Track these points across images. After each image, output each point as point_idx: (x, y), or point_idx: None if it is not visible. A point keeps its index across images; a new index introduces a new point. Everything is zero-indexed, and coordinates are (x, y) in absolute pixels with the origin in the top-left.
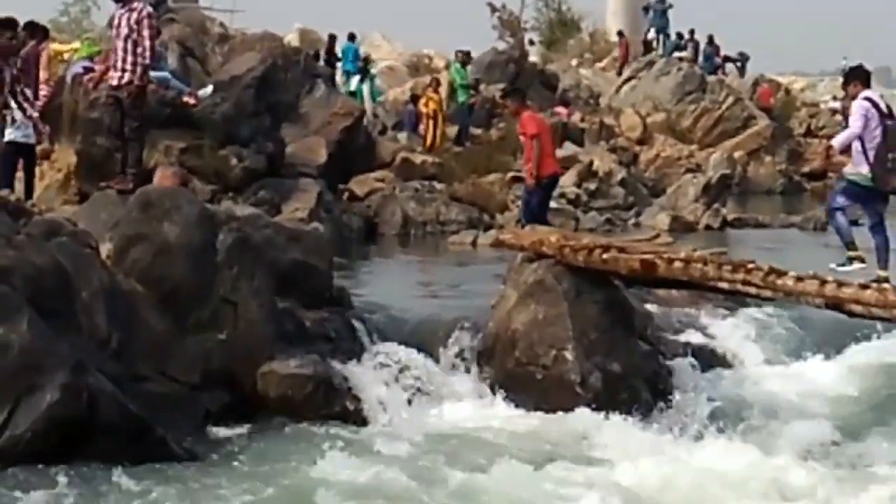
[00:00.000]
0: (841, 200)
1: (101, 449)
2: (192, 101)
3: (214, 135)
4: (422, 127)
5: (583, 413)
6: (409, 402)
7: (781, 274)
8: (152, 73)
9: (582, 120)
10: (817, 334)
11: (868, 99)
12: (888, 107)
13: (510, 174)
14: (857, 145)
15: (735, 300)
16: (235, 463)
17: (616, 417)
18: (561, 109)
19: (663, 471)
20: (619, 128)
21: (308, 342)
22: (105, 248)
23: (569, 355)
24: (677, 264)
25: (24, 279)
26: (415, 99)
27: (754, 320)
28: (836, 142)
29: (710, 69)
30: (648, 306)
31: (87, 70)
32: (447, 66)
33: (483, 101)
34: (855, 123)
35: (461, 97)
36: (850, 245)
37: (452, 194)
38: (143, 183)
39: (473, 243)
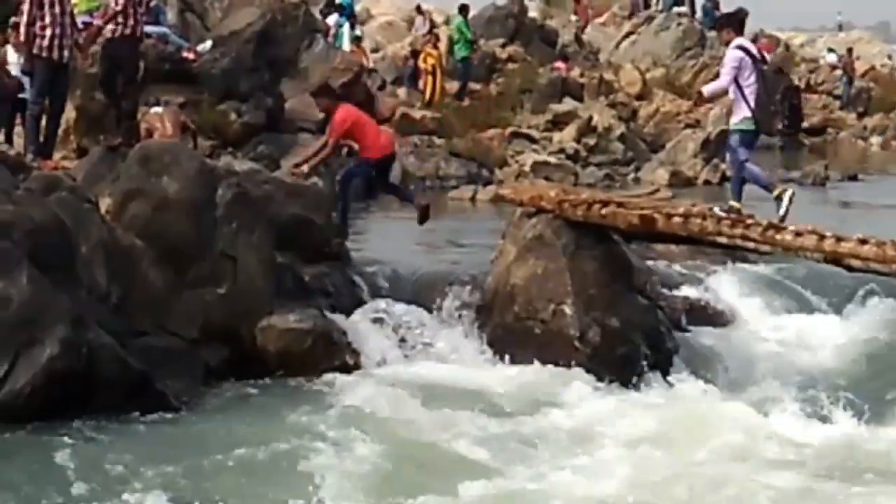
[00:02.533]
0: (742, 153)
1: (100, 403)
2: (191, 56)
3: (213, 90)
4: (421, 82)
5: (580, 367)
6: (407, 356)
7: (780, 229)
8: (151, 28)
9: (581, 75)
10: (816, 289)
11: (740, 47)
12: (760, 52)
13: (510, 129)
14: (736, 93)
15: (734, 255)
16: (234, 416)
17: (613, 372)
18: (560, 64)
19: (659, 426)
20: (618, 83)
21: (307, 297)
22: (104, 203)
23: (567, 310)
24: (676, 219)
25: (23, 234)
26: (414, 54)
27: (753, 275)
28: (707, 90)
29: (710, 24)
30: (648, 261)
31: (87, 25)
32: (446, 21)
33: (483, 57)
34: (725, 77)
35: (463, 52)
36: (769, 186)
37: (452, 149)
38: (131, 137)
39: (473, 198)
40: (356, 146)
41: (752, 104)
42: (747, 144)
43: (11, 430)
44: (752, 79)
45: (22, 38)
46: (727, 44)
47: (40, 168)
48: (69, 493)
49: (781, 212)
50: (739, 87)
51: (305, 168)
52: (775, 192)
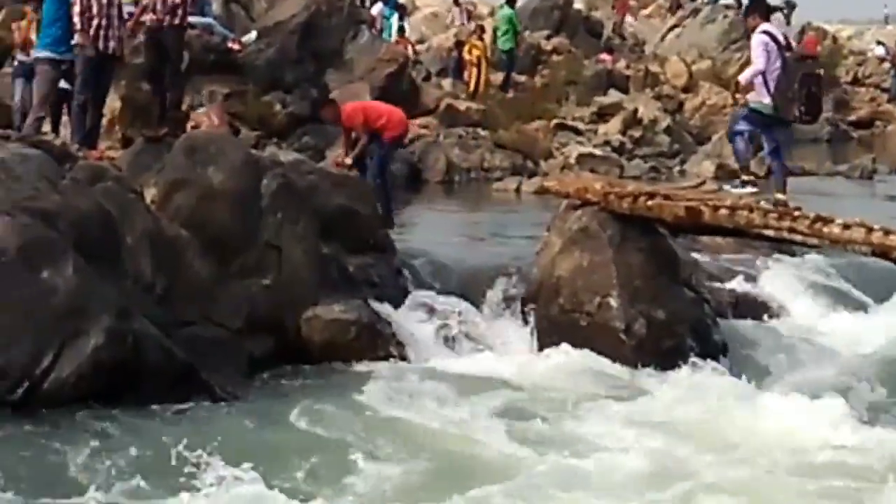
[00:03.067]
0: (742, 125)
1: (146, 393)
2: (236, 46)
3: (258, 81)
4: (466, 74)
5: (627, 360)
6: (452, 347)
7: (828, 221)
8: (196, 19)
9: (627, 67)
10: (864, 283)
11: (766, 32)
12: (786, 38)
13: (555, 121)
14: (759, 77)
15: (781, 248)
16: (278, 406)
17: (659, 364)
18: (605, 56)
19: (706, 419)
20: (664, 75)
21: (352, 287)
22: (150, 193)
23: (613, 302)
24: (723, 211)
25: (69, 224)
26: (459, 45)
27: (800, 268)
28: (743, 78)
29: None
30: (694, 254)
31: (130, 15)
32: (491, 13)
33: (528, 48)
34: (758, 59)
35: (510, 44)
36: (744, 168)
37: (496, 141)
38: (176, 127)
39: (517, 190)
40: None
41: (773, 89)
42: (753, 122)
43: (57, 419)
44: (777, 64)
45: (77, 26)
46: (753, 30)
47: (86, 158)
48: (111, 481)
49: (728, 186)
50: (764, 74)
51: (348, 160)
52: (745, 177)
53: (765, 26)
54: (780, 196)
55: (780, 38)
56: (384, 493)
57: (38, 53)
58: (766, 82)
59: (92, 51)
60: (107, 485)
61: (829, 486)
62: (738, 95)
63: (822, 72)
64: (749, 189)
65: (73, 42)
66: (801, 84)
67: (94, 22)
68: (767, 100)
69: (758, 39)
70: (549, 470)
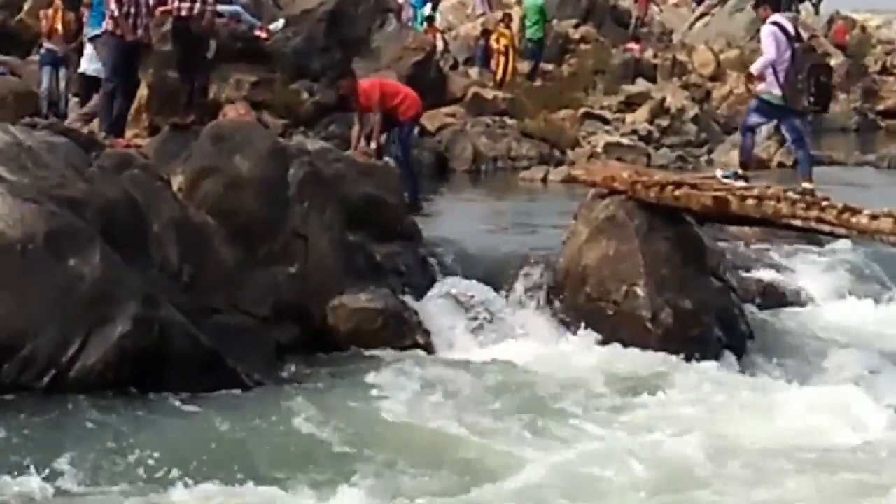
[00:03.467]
0: (755, 119)
1: (172, 380)
2: (263, 35)
3: (285, 69)
4: (493, 62)
5: (653, 349)
6: (479, 336)
7: (856, 211)
8: (223, 7)
9: (654, 56)
10: (892, 272)
11: (775, 23)
12: (796, 29)
13: (582, 110)
14: (769, 68)
15: (809, 237)
16: (303, 394)
17: (686, 354)
18: (633, 45)
19: (734, 408)
20: (691, 64)
21: (378, 276)
22: (176, 181)
23: (640, 291)
24: (750, 201)
25: (96, 212)
26: (486, 34)
27: (828, 258)
28: (755, 68)
29: (785, 6)
30: (721, 243)
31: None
32: (518, 2)
33: (555, 37)
34: (769, 49)
35: (540, 33)
36: (744, 164)
37: (523, 130)
38: (203, 115)
39: (544, 179)
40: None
41: (782, 80)
42: (765, 114)
43: (83, 406)
44: (787, 55)
45: (115, 13)
46: (764, 21)
47: (113, 146)
48: (136, 468)
49: (721, 172)
50: (774, 65)
51: (373, 145)
52: (741, 171)
53: (775, 17)
54: (807, 185)
55: (790, 29)
56: (404, 483)
57: (96, 31)
58: (775, 73)
59: (132, 35)
60: (133, 471)
61: (855, 479)
62: (750, 86)
63: (831, 62)
64: (740, 182)
65: (101, 29)
66: (810, 74)
67: (124, 9)
68: (777, 90)
69: (767, 30)
70: (571, 464)
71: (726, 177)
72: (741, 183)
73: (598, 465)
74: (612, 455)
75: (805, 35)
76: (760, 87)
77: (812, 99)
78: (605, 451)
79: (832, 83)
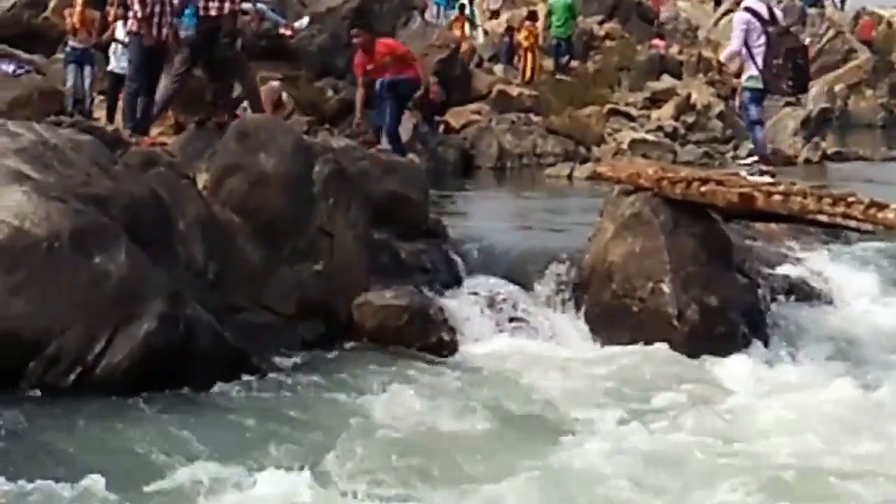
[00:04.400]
0: (754, 111)
1: (198, 378)
2: (288, 32)
3: (310, 66)
4: (518, 59)
5: (679, 346)
6: (504, 333)
7: (883, 207)
8: (248, 5)
9: (680, 52)
10: None
11: (748, 9)
12: (771, 12)
13: (607, 106)
14: (745, 53)
15: (835, 234)
16: (328, 392)
17: (712, 350)
18: (658, 42)
19: (762, 406)
20: (717, 60)
21: (404, 273)
22: (202, 179)
23: (666, 288)
24: (776, 197)
25: (121, 209)
26: (510, 30)
27: (855, 255)
28: (723, 57)
29: (811, 2)
30: (747, 240)
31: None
32: None
33: (580, 34)
34: (735, 40)
35: (567, 32)
36: (765, 159)
37: (549, 126)
38: (228, 114)
39: (569, 176)
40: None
41: (760, 65)
42: (757, 101)
43: (109, 403)
44: (761, 40)
45: (140, 14)
46: (738, 4)
47: (138, 144)
48: (163, 465)
49: (744, 171)
50: (749, 48)
51: (358, 114)
52: (764, 168)
53: (747, 2)
54: (764, 167)
55: (764, 13)
56: (415, 479)
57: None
58: (752, 57)
59: (149, 39)
60: (159, 468)
61: (879, 476)
62: (722, 73)
63: (858, 58)
64: (766, 178)
65: (127, 29)
66: (787, 58)
67: (147, 10)
68: (755, 72)
69: (738, 17)
70: (592, 464)
71: (752, 173)
72: (767, 178)
73: (616, 464)
74: (631, 454)
75: (780, 16)
76: (743, 77)
77: (790, 82)
78: (625, 450)
79: (808, 64)
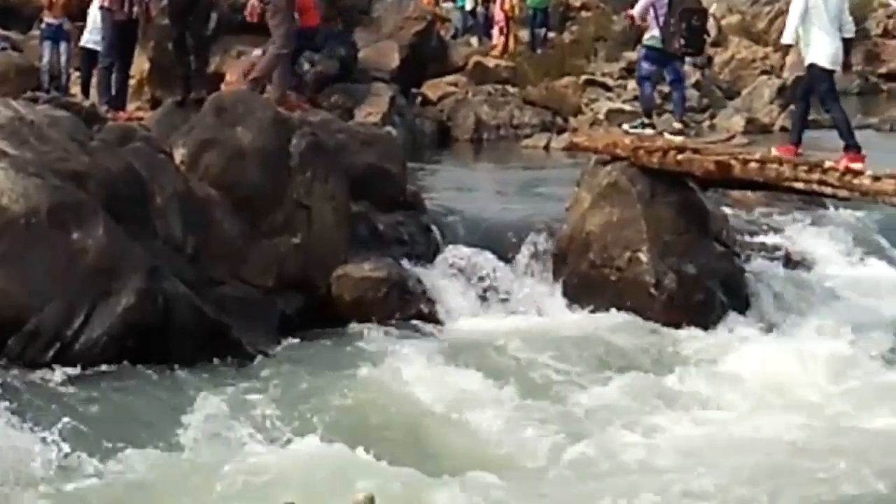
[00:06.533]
0: (646, 67)
1: (176, 352)
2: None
3: None
4: (494, 31)
5: (657, 315)
6: (483, 304)
7: (858, 173)
8: None
9: None
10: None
11: None
12: None
13: (584, 77)
14: (651, 13)
15: (812, 201)
16: (308, 364)
17: (690, 319)
18: (632, 11)
19: (738, 372)
20: (629, 16)
21: (382, 245)
22: (179, 154)
23: (643, 257)
24: (752, 165)
25: (98, 185)
26: (485, 2)
27: (831, 222)
28: (634, 11)
29: None
30: (724, 208)
31: None
32: None
33: (556, 5)
34: (640, 1)
35: (543, 1)
36: (648, 113)
37: (525, 97)
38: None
39: (546, 147)
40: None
41: (661, 24)
42: (652, 60)
43: (88, 378)
44: (664, 1)
45: None
46: None
47: (114, 119)
48: (140, 438)
49: (626, 125)
50: (655, 9)
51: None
52: (646, 121)
53: None
54: (676, 125)
55: None
56: (387, 451)
57: None
58: (656, 17)
59: (121, 15)
60: (137, 441)
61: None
62: (630, 27)
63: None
64: (649, 130)
65: (100, 6)
66: (682, 17)
67: None
68: (657, 32)
69: None
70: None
71: (634, 127)
72: (650, 131)
73: (594, 434)
74: (607, 422)
75: None
76: (645, 35)
77: (683, 42)
78: (602, 419)
79: (705, 26)
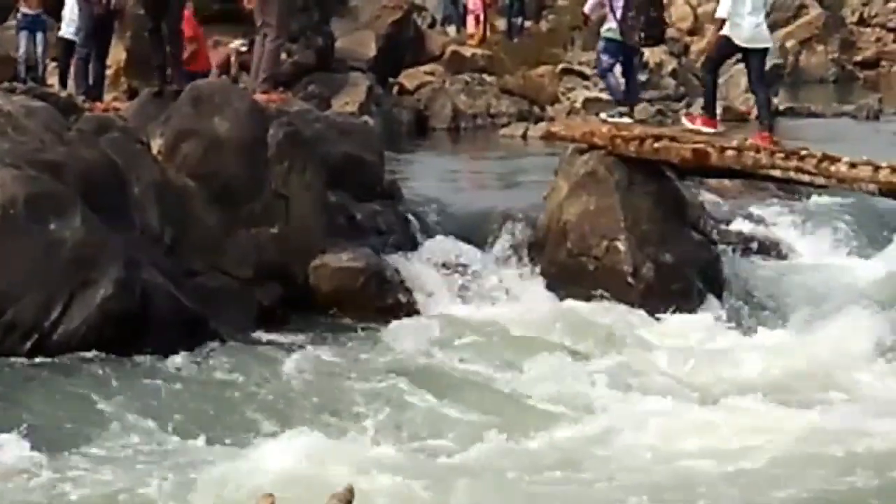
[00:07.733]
0: (606, 59)
1: (154, 342)
2: None
3: None
4: (470, 19)
5: (635, 303)
6: (461, 294)
7: (834, 160)
8: None
9: None
10: (873, 224)
11: None
12: None
13: (561, 66)
14: (608, 5)
15: (789, 189)
16: (286, 355)
17: (668, 307)
18: (585, 9)
19: (714, 361)
20: (669, 18)
21: (360, 235)
22: (156, 144)
23: (621, 246)
24: (730, 152)
25: (76, 175)
26: None
27: (808, 209)
28: (586, 8)
29: None
30: (701, 197)
31: None
32: None
33: None
34: None
35: None
36: (620, 102)
37: (503, 87)
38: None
39: (524, 136)
40: None
41: (619, 17)
42: (610, 52)
43: (66, 368)
44: None
45: None
46: None
47: (91, 110)
48: (118, 429)
49: (604, 114)
50: (611, 2)
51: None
52: (622, 109)
53: None
54: (622, 109)
55: None
56: (368, 439)
57: None
58: (612, 9)
59: (100, 8)
60: (114, 431)
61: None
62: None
63: (808, 13)
64: (626, 119)
65: None
66: (639, 10)
67: None
68: (614, 25)
69: None
70: (564, 422)
71: (611, 116)
72: (627, 120)
73: (587, 427)
74: (584, 409)
75: None
76: (603, 27)
77: (643, 34)
78: (592, 410)
79: (662, 15)
